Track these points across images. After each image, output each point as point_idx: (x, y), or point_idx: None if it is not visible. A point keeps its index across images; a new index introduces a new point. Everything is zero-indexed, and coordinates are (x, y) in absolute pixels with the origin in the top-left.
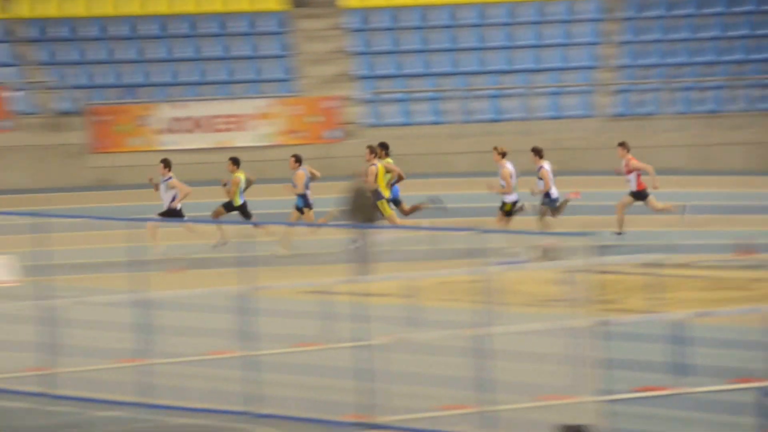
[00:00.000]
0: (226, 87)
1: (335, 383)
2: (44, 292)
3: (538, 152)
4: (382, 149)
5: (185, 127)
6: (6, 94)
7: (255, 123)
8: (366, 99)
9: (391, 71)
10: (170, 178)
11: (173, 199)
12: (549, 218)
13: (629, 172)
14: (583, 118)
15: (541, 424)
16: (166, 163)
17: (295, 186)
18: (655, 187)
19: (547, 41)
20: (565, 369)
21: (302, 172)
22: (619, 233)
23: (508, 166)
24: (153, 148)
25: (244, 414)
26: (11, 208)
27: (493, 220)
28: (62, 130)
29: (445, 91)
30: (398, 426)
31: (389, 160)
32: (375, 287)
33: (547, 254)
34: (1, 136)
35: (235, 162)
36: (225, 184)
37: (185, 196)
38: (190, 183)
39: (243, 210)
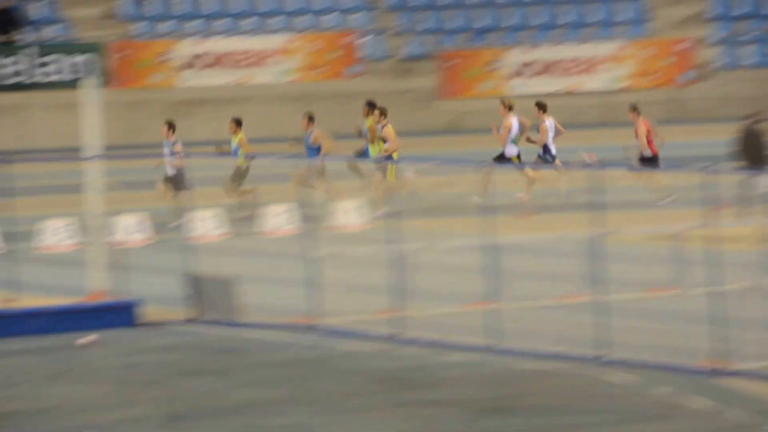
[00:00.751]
0: (576, 30)
1: (687, 329)
2: (394, 235)
3: (542, 107)
4: (370, 109)
5: (534, 70)
6: (356, 39)
7: (605, 66)
8: (721, 40)
9: (749, 11)
10: (176, 142)
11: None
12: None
13: (637, 136)
14: None
15: None
16: (170, 125)
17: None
18: (661, 142)
19: None
20: None
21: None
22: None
23: (512, 120)
24: (502, 93)
25: (594, 359)
26: None
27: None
28: (411, 75)
29: None
30: (754, 373)
31: (370, 120)
32: (729, 232)
33: None
34: (352, 82)
35: (238, 123)
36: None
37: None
38: (538, 128)
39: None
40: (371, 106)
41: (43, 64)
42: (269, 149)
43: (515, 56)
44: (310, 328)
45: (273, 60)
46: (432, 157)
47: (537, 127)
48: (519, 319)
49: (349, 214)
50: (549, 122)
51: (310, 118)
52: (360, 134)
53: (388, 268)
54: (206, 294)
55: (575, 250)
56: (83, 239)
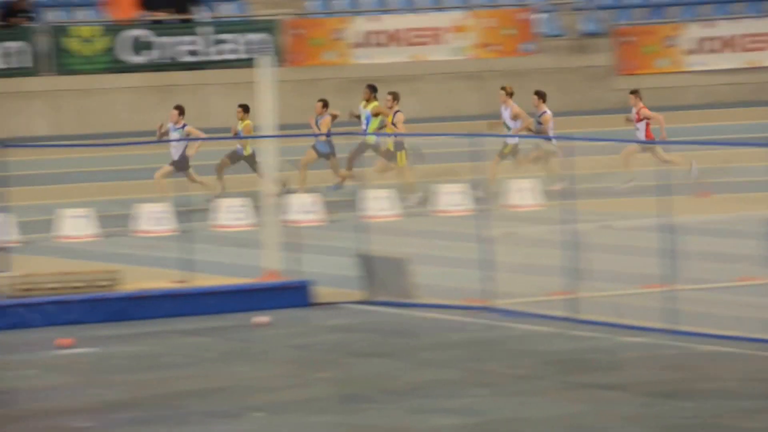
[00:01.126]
0: (756, 4)
1: None
2: (568, 216)
3: (541, 96)
4: (371, 92)
5: (714, 46)
6: (532, 16)
7: None
8: None
9: None
10: (185, 125)
11: (184, 150)
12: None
13: (639, 120)
14: None
15: None
16: (181, 110)
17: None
18: (662, 137)
19: None
20: None
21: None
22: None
23: (517, 107)
24: (680, 69)
25: None
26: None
27: None
28: (587, 52)
29: None
30: None
31: (375, 103)
32: None
33: None
34: (526, 59)
35: (246, 110)
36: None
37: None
38: (717, 105)
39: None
40: (373, 89)
41: (219, 43)
42: (443, 128)
43: (693, 32)
44: (484, 310)
45: (447, 37)
46: (607, 137)
47: (538, 117)
48: (696, 300)
49: (523, 193)
50: (548, 112)
51: (325, 104)
52: (355, 117)
53: (563, 249)
54: (379, 274)
55: (753, 230)
56: (258, 219)
